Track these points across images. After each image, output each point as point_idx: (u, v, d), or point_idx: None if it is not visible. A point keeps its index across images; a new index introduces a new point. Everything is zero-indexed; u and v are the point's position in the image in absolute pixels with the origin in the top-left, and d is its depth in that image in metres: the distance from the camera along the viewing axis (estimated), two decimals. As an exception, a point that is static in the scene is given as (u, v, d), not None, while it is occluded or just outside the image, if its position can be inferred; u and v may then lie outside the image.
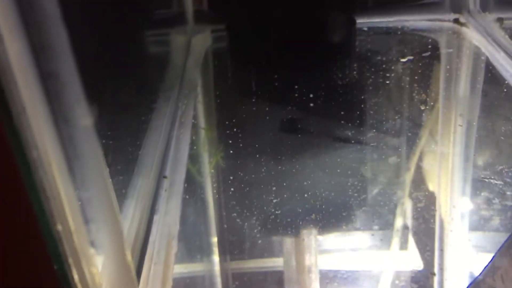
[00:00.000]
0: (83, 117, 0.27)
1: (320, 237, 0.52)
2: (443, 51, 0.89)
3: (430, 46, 0.91)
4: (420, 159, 0.62)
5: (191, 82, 0.84)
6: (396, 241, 0.51)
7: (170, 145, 0.67)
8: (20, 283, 0.27)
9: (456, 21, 0.99)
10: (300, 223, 0.53)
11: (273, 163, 0.62)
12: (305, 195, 0.56)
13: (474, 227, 0.52)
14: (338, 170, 0.60)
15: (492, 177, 0.56)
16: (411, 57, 0.86)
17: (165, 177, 0.61)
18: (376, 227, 0.52)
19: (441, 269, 0.48)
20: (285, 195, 0.57)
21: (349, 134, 0.66)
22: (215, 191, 0.61)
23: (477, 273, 0.41)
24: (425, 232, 0.51)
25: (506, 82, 0.77)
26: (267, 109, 0.74)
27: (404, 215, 0.53)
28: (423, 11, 1.02)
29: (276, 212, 0.54)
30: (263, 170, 0.61)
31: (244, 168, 0.62)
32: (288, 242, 0.52)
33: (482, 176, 0.57)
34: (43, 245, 0.26)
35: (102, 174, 0.30)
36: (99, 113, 0.49)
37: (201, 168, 0.65)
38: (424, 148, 0.63)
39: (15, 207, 0.25)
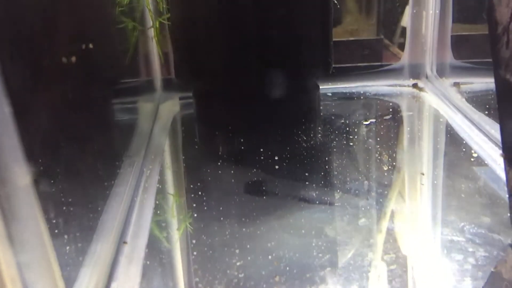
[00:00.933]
0: (21, 177, 0.26)
1: (284, 300, 0.51)
2: (404, 114, 0.92)
3: (391, 110, 0.94)
4: (384, 218, 0.62)
5: (157, 148, 0.84)
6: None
7: (132, 211, 0.66)
8: None
9: (415, 86, 1.03)
10: (264, 286, 0.52)
11: (237, 226, 0.62)
12: (269, 257, 0.55)
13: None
14: (303, 231, 0.60)
15: (455, 235, 0.57)
16: (373, 120, 0.89)
17: (125, 242, 0.60)
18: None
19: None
20: (249, 257, 0.56)
21: (314, 195, 0.67)
22: (178, 255, 0.59)
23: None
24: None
25: (464, 142, 0.79)
26: (232, 172, 0.74)
27: (370, 275, 0.53)
28: (384, 77, 1.06)
29: (240, 275, 0.53)
30: (227, 233, 0.60)
31: (207, 231, 0.61)
32: (252, 305, 0.51)
33: (446, 234, 0.57)
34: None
35: (42, 237, 0.29)
36: (55, 179, 0.49)
37: (167, 234, 0.63)
38: (387, 208, 0.64)
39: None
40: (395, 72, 1.07)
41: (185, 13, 0.86)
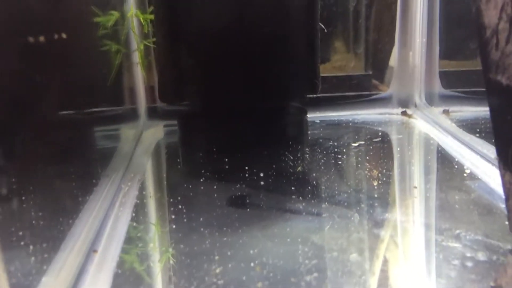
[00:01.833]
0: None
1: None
2: (394, 137, 0.90)
3: (380, 134, 0.92)
4: (377, 227, 0.58)
5: (137, 167, 0.80)
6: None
7: (106, 223, 0.62)
8: None
9: (404, 113, 1.01)
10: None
11: (217, 235, 0.57)
12: (251, 264, 0.51)
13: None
14: (288, 240, 0.55)
15: (451, 241, 0.53)
16: (362, 142, 0.86)
17: (95, 251, 0.55)
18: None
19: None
20: (229, 265, 0.51)
21: (300, 207, 0.63)
22: (152, 265, 0.54)
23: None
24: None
25: (456, 160, 0.76)
26: (215, 187, 0.71)
27: (353, 282, 0.48)
28: (372, 106, 1.05)
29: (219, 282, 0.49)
30: (206, 242, 0.56)
31: (185, 242, 0.57)
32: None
33: (442, 240, 0.53)
34: None
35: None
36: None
37: (142, 244, 0.59)
38: (377, 218, 0.60)
39: None
40: (384, 101, 1.05)
41: (170, 35, 0.85)
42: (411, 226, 0.58)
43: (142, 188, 0.73)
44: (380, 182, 0.69)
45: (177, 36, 0.84)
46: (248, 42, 0.83)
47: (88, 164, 0.71)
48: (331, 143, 0.87)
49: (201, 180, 0.73)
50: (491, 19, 0.57)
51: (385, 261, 0.51)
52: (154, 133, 0.98)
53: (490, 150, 0.74)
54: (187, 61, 0.84)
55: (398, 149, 0.84)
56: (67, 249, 0.54)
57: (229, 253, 0.53)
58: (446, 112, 0.98)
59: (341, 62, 1.26)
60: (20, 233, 0.48)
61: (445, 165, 0.75)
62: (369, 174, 0.73)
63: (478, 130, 0.87)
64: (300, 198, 0.66)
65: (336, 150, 0.83)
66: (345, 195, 0.66)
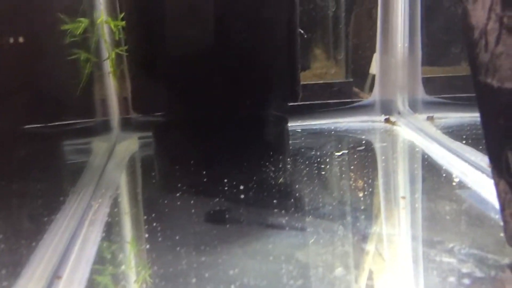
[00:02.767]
0: None
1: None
2: (377, 145, 0.87)
3: (364, 142, 0.89)
4: (365, 242, 0.54)
5: (109, 183, 0.76)
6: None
7: (73, 244, 0.57)
8: None
9: (387, 120, 0.99)
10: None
11: (194, 254, 0.53)
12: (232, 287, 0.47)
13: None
14: (271, 258, 0.51)
15: (444, 255, 0.49)
16: (345, 151, 0.83)
17: (58, 277, 0.50)
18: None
19: None
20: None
21: (283, 221, 0.59)
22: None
23: None
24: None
25: (444, 168, 0.74)
26: (192, 202, 0.66)
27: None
28: (354, 113, 1.02)
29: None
30: (183, 262, 0.52)
31: (160, 262, 0.52)
32: None
33: (436, 255, 0.50)
34: None
35: None
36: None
37: (113, 266, 0.54)
38: (368, 231, 0.56)
39: None
40: (367, 108, 1.03)
41: (143, 42, 0.81)
42: (400, 240, 0.55)
43: (114, 205, 0.68)
44: (365, 193, 0.66)
45: (150, 43, 0.80)
46: (226, 49, 0.79)
47: (55, 181, 0.67)
48: (313, 152, 0.84)
49: (178, 194, 0.69)
50: (479, 19, 0.55)
51: (373, 278, 0.47)
52: (128, 145, 0.94)
53: (479, 158, 0.72)
54: (161, 70, 0.80)
55: (383, 157, 0.81)
56: (27, 275, 0.49)
57: (207, 275, 0.49)
58: (430, 118, 0.95)
59: (321, 69, 1.23)
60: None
61: (433, 174, 0.72)
62: (354, 184, 0.70)
63: (464, 136, 0.84)
64: (283, 211, 0.62)
65: (318, 160, 0.80)
66: (330, 207, 0.63)
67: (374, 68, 1.12)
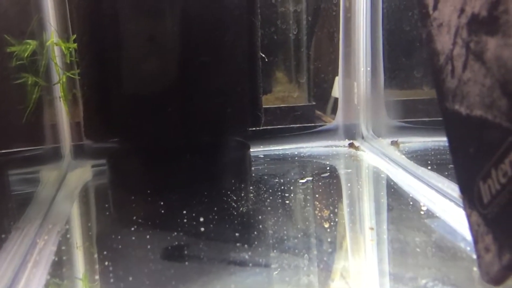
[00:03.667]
0: None
1: None
2: (342, 171, 0.84)
3: (328, 168, 0.86)
4: (334, 278, 0.51)
5: (57, 217, 0.70)
6: None
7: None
8: None
9: (351, 145, 0.97)
10: None
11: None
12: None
13: None
14: (233, 300, 0.47)
15: (417, 292, 0.46)
16: (310, 178, 0.80)
17: (-4, 328, 0.45)
18: None
19: None
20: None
21: (246, 257, 0.55)
22: None
23: None
24: None
25: (411, 195, 0.72)
26: (149, 237, 0.61)
27: None
28: (318, 138, 1.00)
29: None
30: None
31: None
32: None
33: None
34: None
35: None
36: None
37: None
38: (336, 266, 0.53)
39: None
40: (330, 133, 1.01)
41: (96, 65, 0.76)
42: (371, 275, 0.52)
43: (62, 242, 0.62)
44: (332, 223, 0.63)
45: (103, 67, 0.75)
46: (184, 74, 0.75)
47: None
48: (276, 180, 0.80)
49: (133, 228, 0.64)
50: (445, 44, 0.53)
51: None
52: (81, 174, 0.88)
53: (445, 184, 0.70)
54: (116, 94, 0.75)
55: (349, 185, 0.78)
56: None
57: (162, 322, 0.44)
58: (395, 143, 0.94)
59: (283, 92, 1.21)
60: None
61: (400, 202, 0.69)
62: (319, 214, 0.66)
63: (429, 162, 0.83)
64: (246, 246, 0.58)
65: (282, 187, 0.77)
66: (295, 240, 0.59)
67: (336, 91, 1.11)
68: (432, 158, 0.87)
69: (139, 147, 0.80)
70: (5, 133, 0.69)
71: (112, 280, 0.52)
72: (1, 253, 0.56)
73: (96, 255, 0.59)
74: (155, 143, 0.78)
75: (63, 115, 0.89)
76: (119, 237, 0.62)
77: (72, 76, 0.84)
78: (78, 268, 0.57)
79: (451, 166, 0.73)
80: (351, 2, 0.99)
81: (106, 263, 0.56)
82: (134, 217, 0.67)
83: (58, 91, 0.85)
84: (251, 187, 0.78)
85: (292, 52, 1.12)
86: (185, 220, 0.65)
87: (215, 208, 0.69)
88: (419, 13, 0.57)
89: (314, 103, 1.16)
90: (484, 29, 0.45)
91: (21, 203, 0.69)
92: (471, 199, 0.48)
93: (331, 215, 0.66)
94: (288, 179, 0.80)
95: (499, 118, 0.43)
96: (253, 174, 0.84)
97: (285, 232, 0.61)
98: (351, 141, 0.98)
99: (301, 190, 0.76)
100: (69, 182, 0.85)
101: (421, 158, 0.87)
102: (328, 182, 0.79)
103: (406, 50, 0.99)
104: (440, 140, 0.92)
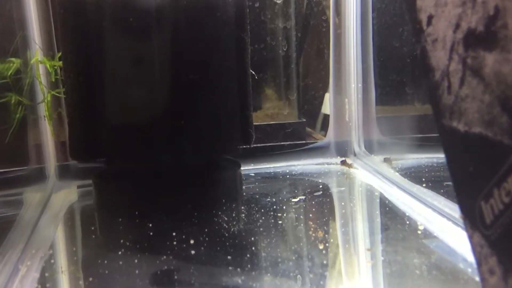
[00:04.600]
0: None
1: None
2: (335, 190, 0.83)
3: (321, 187, 0.84)
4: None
5: (41, 241, 0.67)
6: None
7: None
8: None
9: (343, 162, 0.95)
10: None
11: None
12: None
13: None
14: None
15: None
16: (302, 197, 0.78)
17: None
18: None
19: None
20: None
21: (239, 281, 0.53)
22: None
23: None
24: None
25: (407, 214, 0.70)
26: (137, 262, 0.59)
27: None
28: (310, 156, 0.98)
29: None
30: None
31: None
32: None
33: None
34: None
35: None
36: None
37: None
38: (331, 291, 0.51)
39: None
40: (322, 150, 0.99)
41: (81, 83, 0.74)
42: (368, 299, 0.50)
43: (45, 268, 0.59)
44: (328, 244, 0.61)
45: (90, 85, 0.73)
46: (172, 92, 0.73)
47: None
48: (268, 199, 0.78)
49: (120, 252, 0.61)
50: (440, 60, 0.52)
51: None
52: (66, 195, 0.85)
53: (442, 203, 0.68)
54: (102, 113, 0.73)
55: (342, 204, 0.76)
56: None
57: None
58: (388, 160, 0.92)
59: (273, 109, 1.20)
60: None
61: (396, 221, 0.68)
62: (314, 235, 0.64)
63: (423, 179, 0.81)
64: (238, 269, 0.56)
65: (274, 207, 0.75)
66: (290, 263, 0.57)
67: (326, 107, 1.09)
68: (427, 175, 0.86)
69: (127, 167, 0.77)
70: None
71: (98, 309, 0.49)
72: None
73: (81, 282, 0.56)
74: (143, 163, 0.76)
75: (47, 135, 0.86)
76: (106, 262, 0.59)
77: (57, 94, 0.82)
78: (62, 296, 0.54)
79: (447, 183, 0.72)
80: (341, 18, 0.99)
81: (92, 290, 0.53)
82: (122, 241, 0.65)
83: (43, 110, 0.83)
84: (242, 207, 0.76)
85: (282, 68, 1.11)
86: (174, 243, 0.63)
87: (206, 230, 0.66)
88: (413, 28, 0.55)
89: (304, 120, 1.15)
90: (481, 44, 0.44)
91: (2, 227, 0.66)
92: (472, 220, 0.47)
93: (326, 235, 0.63)
94: (280, 198, 0.78)
95: (500, 136, 0.41)
96: (244, 193, 0.82)
97: (279, 254, 0.59)
98: (344, 158, 0.97)
99: (294, 210, 0.74)
100: (53, 204, 0.82)
101: (415, 175, 0.86)
102: (321, 201, 0.77)
103: (398, 66, 0.99)
104: (433, 157, 0.91)
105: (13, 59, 0.74)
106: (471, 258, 0.49)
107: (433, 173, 0.86)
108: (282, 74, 1.12)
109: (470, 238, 0.46)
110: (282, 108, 1.17)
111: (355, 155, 0.98)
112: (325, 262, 0.57)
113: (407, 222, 0.67)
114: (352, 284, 0.53)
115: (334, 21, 1.01)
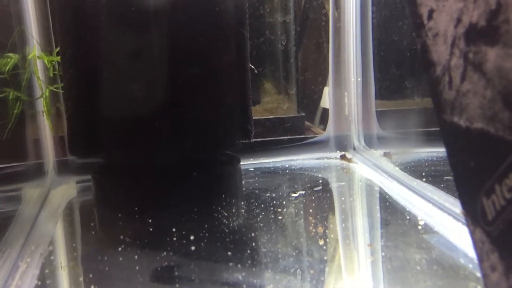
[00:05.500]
0: None
1: None
2: (335, 185, 0.82)
3: (321, 181, 0.84)
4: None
5: (40, 237, 0.67)
6: None
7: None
8: None
9: (343, 157, 0.95)
10: None
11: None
12: None
13: None
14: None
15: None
16: (302, 192, 0.78)
17: None
18: None
19: None
20: None
21: (240, 277, 0.52)
22: None
23: None
24: None
25: (407, 209, 0.70)
26: (137, 258, 0.59)
27: None
28: (309, 150, 0.98)
29: None
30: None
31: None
32: None
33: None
34: None
35: None
36: None
37: None
38: (335, 287, 0.51)
39: None
40: (321, 145, 0.99)
41: (80, 78, 0.73)
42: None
43: (45, 265, 0.59)
44: (328, 240, 0.61)
45: (88, 80, 0.73)
46: (172, 87, 0.73)
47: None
48: (268, 194, 0.78)
49: (120, 248, 0.61)
50: (441, 55, 0.51)
51: None
52: (65, 191, 0.85)
53: (442, 197, 0.68)
54: (101, 108, 0.73)
55: (342, 199, 0.76)
56: None
57: None
58: (387, 154, 0.92)
59: (272, 103, 1.20)
60: None
61: (397, 216, 0.68)
62: (314, 230, 0.64)
63: (423, 173, 0.81)
64: (239, 265, 0.56)
65: (274, 202, 0.74)
66: (290, 259, 0.57)
67: (325, 101, 1.09)
68: (426, 169, 0.85)
69: (126, 162, 0.77)
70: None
71: (98, 306, 0.49)
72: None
73: (81, 278, 0.56)
74: (142, 158, 0.75)
75: (46, 130, 0.86)
76: (106, 258, 0.59)
77: (55, 90, 0.82)
78: (63, 293, 0.54)
79: (447, 178, 0.71)
80: (341, 12, 0.98)
81: (92, 286, 0.53)
82: (121, 236, 0.65)
83: (41, 105, 0.82)
84: (242, 202, 0.76)
85: (281, 62, 1.10)
86: (174, 239, 0.63)
87: (206, 225, 0.66)
88: (413, 23, 0.55)
89: (303, 114, 1.14)
90: (483, 39, 0.43)
91: (1, 223, 0.66)
92: (474, 216, 0.47)
93: (327, 231, 0.63)
94: (280, 193, 0.78)
95: (501, 131, 0.41)
96: (244, 189, 0.82)
97: (279, 250, 0.59)
98: (343, 153, 0.97)
99: (293, 205, 0.74)
100: (52, 200, 0.81)
101: (415, 169, 0.86)
102: (321, 196, 0.77)
103: (397, 60, 0.98)
104: (433, 151, 0.91)
105: (11, 54, 0.74)
106: (472, 253, 0.49)
107: (433, 168, 0.86)
108: (281, 68, 1.12)
109: (472, 234, 0.46)
110: (281, 102, 1.16)
111: (354, 149, 0.98)
112: (325, 257, 0.56)
113: (408, 217, 0.67)
114: (353, 279, 0.53)
115: (333, 15, 1.00)
